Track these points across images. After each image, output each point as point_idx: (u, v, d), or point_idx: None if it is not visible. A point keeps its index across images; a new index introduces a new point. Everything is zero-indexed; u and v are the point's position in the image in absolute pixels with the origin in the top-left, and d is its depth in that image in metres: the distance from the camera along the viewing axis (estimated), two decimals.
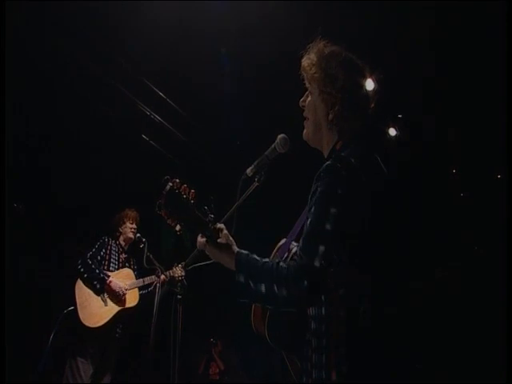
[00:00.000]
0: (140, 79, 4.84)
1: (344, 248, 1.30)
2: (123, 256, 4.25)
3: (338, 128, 1.52)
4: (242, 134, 5.44)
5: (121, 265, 4.18)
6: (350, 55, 1.57)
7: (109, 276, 3.92)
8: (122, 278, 4.04)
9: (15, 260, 4.26)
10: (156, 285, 3.50)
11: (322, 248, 1.26)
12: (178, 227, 1.44)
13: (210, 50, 4.46)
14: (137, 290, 4.05)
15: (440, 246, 5.66)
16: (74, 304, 3.78)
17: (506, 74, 2.75)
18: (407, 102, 4.87)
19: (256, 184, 1.67)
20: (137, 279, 4.10)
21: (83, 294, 3.85)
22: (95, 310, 3.81)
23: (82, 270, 3.89)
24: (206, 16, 4.01)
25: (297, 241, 1.60)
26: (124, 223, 4.29)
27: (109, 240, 4.20)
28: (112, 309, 3.88)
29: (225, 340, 6.23)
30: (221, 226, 1.49)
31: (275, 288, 1.28)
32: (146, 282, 4.02)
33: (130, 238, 4.24)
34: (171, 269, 3.83)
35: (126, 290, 3.96)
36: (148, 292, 4.05)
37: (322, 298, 1.35)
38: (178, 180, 1.42)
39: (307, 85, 1.59)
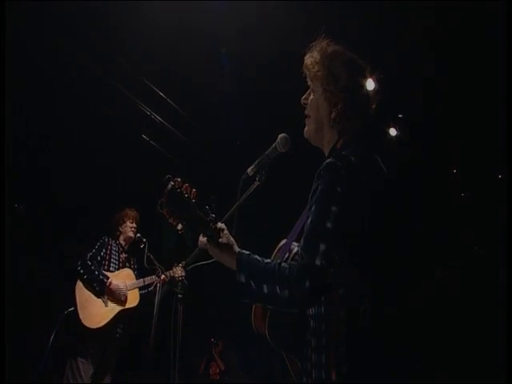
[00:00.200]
0: (140, 79, 4.84)
1: (344, 247, 1.30)
2: (123, 256, 4.24)
3: (339, 127, 1.52)
4: (241, 134, 5.44)
5: (121, 265, 4.18)
6: (352, 55, 1.58)
7: (108, 278, 3.91)
8: (123, 279, 4.04)
9: (15, 260, 4.26)
10: (156, 285, 3.50)
11: (322, 246, 1.26)
12: (179, 226, 1.44)
13: (210, 50, 4.46)
14: (137, 290, 4.05)
15: (440, 245, 5.66)
16: (75, 304, 3.78)
17: (506, 73, 2.74)
18: (407, 102, 4.87)
19: (257, 183, 1.67)
20: (137, 279, 4.09)
21: (83, 294, 3.85)
22: (95, 311, 3.80)
23: (81, 271, 3.88)
24: (206, 16, 4.01)
25: (297, 241, 1.60)
26: (124, 222, 4.29)
27: (109, 240, 4.19)
28: (112, 309, 3.87)
29: (225, 340, 6.23)
30: (222, 225, 1.49)
31: (277, 289, 1.28)
32: (147, 282, 4.01)
33: (130, 238, 4.23)
34: (171, 269, 3.83)
35: (126, 291, 3.95)
36: (148, 292, 4.05)
37: (322, 297, 1.35)
38: (179, 179, 1.42)
39: (309, 83, 1.59)
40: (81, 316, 3.73)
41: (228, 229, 1.50)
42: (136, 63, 4.65)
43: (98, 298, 3.85)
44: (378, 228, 1.39)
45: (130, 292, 3.98)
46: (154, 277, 3.88)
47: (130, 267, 4.21)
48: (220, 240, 1.46)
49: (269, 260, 1.38)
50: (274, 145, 1.66)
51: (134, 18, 3.94)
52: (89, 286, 3.86)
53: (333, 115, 1.51)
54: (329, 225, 1.28)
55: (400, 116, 5.26)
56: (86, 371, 3.70)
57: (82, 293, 3.85)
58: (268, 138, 1.74)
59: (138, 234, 4.02)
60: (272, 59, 4.35)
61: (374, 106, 1.58)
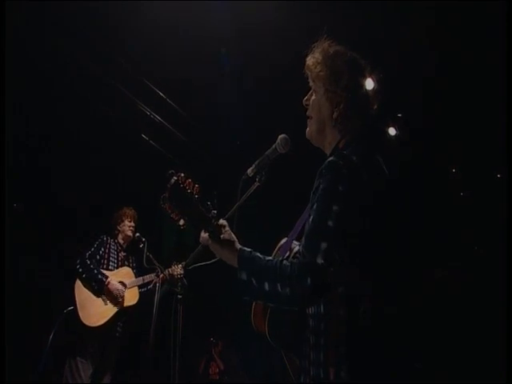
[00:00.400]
0: (140, 79, 4.83)
1: (345, 246, 1.30)
2: (122, 254, 4.24)
3: (341, 127, 1.52)
4: (242, 134, 5.44)
5: (120, 263, 4.18)
6: (354, 55, 1.58)
7: (107, 277, 3.91)
8: (122, 277, 4.04)
9: (15, 260, 4.26)
10: (156, 283, 3.50)
11: (324, 245, 1.26)
12: (181, 222, 1.44)
13: (210, 50, 4.46)
14: (136, 288, 4.05)
15: (440, 245, 5.66)
16: (74, 304, 3.78)
17: (506, 73, 2.75)
18: (407, 101, 4.87)
19: (257, 184, 1.67)
20: (136, 277, 4.10)
21: (83, 293, 3.85)
22: (95, 310, 3.80)
23: (80, 270, 3.88)
24: (206, 16, 4.01)
25: (298, 239, 1.60)
26: (122, 221, 4.29)
27: (107, 239, 4.20)
28: (112, 308, 3.88)
29: (225, 340, 6.23)
30: (223, 221, 1.49)
31: (278, 287, 1.28)
32: (146, 281, 4.01)
33: (129, 236, 4.24)
34: (170, 267, 3.83)
35: (125, 290, 3.96)
36: (147, 290, 4.05)
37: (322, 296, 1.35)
38: (182, 174, 1.42)
39: (311, 83, 1.60)
40: (80, 315, 3.73)
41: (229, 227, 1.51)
42: (136, 63, 4.65)
43: (98, 296, 3.85)
44: (379, 227, 1.40)
45: (129, 290, 3.98)
46: (153, 275, 3.89)
47: (128, 266, 4.22)
48: (222, 236, 1.46)
49: (270, 258, 1.38)
50: (274, 146, 1.66)
51: (134, 18, 3.94)
52: (88, 284, 3.86)
53: (335, 115, 1.51)
54: (330, 224, 1.28)
55: (399, 115, 5.26)
56: (85, 371, 3.70)
57: (81, 292, 3.85)
58: (268, 138, 1.74)
59: (138, 234, 4.01)
60: (272, 59, 4.35)
61: (375, 106, 1.58)
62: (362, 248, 1.34)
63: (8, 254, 2.74)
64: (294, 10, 3.88)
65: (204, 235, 1.50)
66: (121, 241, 4.28)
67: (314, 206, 1.34)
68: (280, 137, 1.66)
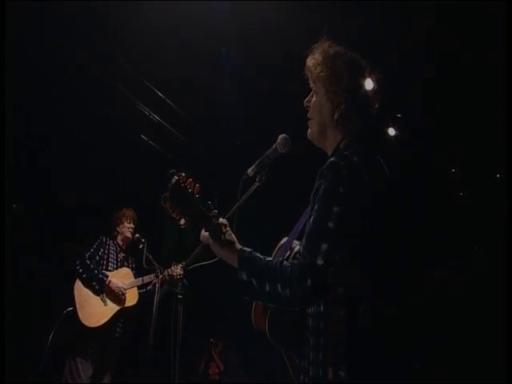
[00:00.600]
0: (140, 79, 4.83)
1: (346, 247, 1.30)
2: (121, 255, 4.25)
3: (342, 127, 1.52)
4: (242, 134, 5.44)
5: (119, 264, 4.18)
6: (354, 55, 1.58)
7: (107, 276, 3.92)
8: (121, 278, 4.04)
9: (15, 260, 4.26)
10: (155, 284, 3.50)
11: (324, 246, 1.26)
12: (182, 221, 1.44)
13: (210, 50, 4.46)
14: (136, 288, 4.05)
15: (440, 245, 5.66)
16: (73, 304, 3.78)
17: (506, 73, 2.75)
18: (407, 102, 4.87)
19: (257, 184, 1.67)
20: (136, 278, 4.10)
21: (82, 293, 3.85)
22: (95, 310, 3.81)
23: (80, 270, 3.88)
24: (206, 16, 4.01)
25: (299, 239, 1.60)
26: (122, 223, 4.28)
27: (107, 240, 4.20)
28: (111, 308, 3.88)
29: (225, 340, 6.23)
30: (224, 221, 1.49)
31: (279, 287, 1.28)
32: (145, 281, 4.01)
33: (128, 238, 4.23)
34: (170, 267, 3.83)
35: (125, 289, 3.96)
36: (147, 291, 4.05)
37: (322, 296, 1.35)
38: (183, 174, 1.42)
39: (311, 85, 1.59)
40: (80, 315, 3.73)
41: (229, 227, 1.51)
42: (136, 63, 4.64)
43: (98, 296, 3.86)
44: (379, 228, 1.40)
45: (128, 291, 3.98)
46: (152, 275, 3.89)
47: (128, 266, 4.22)
48: (222, 236, 1.46)
49: (270, 258, 1.38)
50: (274, 145, 1.66)
51: (134, 18, 3.93)
52: (88, 284, 3.86)
53: (336, 116, 1.51)
54: (331, 225, 1.28)
55: (399, 116, 5.26)
56: (84, 371, 3.70)
57: (80, 292, 3.85)
58: (268, 138, 1.74)
59: (137, 234, 4.01)
60: (272, 59, 4.35)
61: (376, 106, 1.58)
62: (363, 249, 1.34)
63: (8, 254, 2.74)
64: (294, 10, 3.88)
65: (204, 233, 1.50)
66: (120, 242, 4.28)
67: (315, 207, 1.34)
68: (280, 137, 1.66)
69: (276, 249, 1.74)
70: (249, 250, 1.42)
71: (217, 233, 1.46)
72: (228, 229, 1.48)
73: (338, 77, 1.51)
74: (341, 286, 1.33)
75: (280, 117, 4.55)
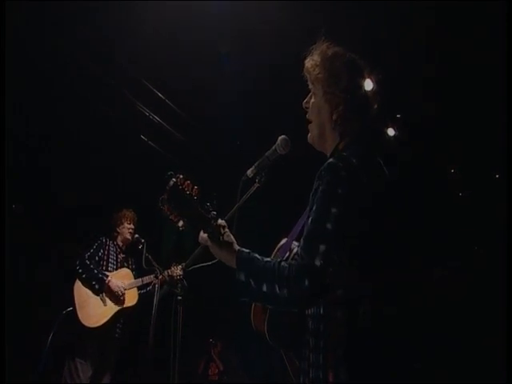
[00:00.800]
0: (140, 79, 4.83)
1: (344, 248, 1.30)
2: (121, 256, 4.25)
3: (341, 128, 1.51)
4: (241, 134, 5.43)
5: (119, 265, 4.18)
6: (353, 56, 1.57)
7: (107, 276, 3.92)
8: (121, 278, 4.05)
9: (15, 260, 4.27)
10: (155, 285, 3.50)
11: (322, 247, 1.25)
12: (180, 223, 1.44)
13: (210, 50, 4.45)
14: (135, 289, 4.05)
15: (440, 245, 5.66)
16: (73, 304, 3.79)
17: (506, 73, 2.75)
18: (407, 102, 4.86)
19: (256, 185, 1.67)
20: (135, 279, 4.10)
21: (82, 294, 3.85)
22: (94, 310, 3.81)
23: (80, 270, 3.89)
24: (206, 16, 4.00)
25: (298, 240, 1.60)
26: (122, 224, 4.28)
27: (106, 240, 4.20)
28: (111, 308, 3.88)
29: (224, 340, 6.23)
30: (222, 222, 1.49)
31: (277, 288, 1.28)
32: (145, 282, 4.01)
33: (128, 239, 4.23)
34: (169, 268, 3.83)
35: (125, 289, 3.96)
36: (147, 291, 4.05)
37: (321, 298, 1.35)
38: (181, 176, 1.42)
39: (310, 86, 1.59)
40: (79, 316, 3.74)
41: (228, 229, 1.50)
42: (136, 63, 4.64)
43: (98, 296, 3.86)
44: (378, 229, 1.39)
45: (128, 291, 3.99)
46: (152, 276, 3.89)
47: (128, 267, 4.22)
48: (220, 237, 1.46)
49: (269, 259, 1.38)
50: (273, 147, 1.66)
51: (134, 18, 3.93)
52: (88, 284, 3.86)
53: (334, 117, 1.50)
54: (329, 226, 1.28)
55: (398, 116, 5.26)
56: (84, 372, 3.70)
57: (80, 292, 3.85)
58: (268, 138, 1.74)
59: (137, 235, 4.01)
60: (272, 59, 4.34)
61: (375, 107, 1.58)
62: (361, 250, 1.34)
63: (8, 254, 2.74)
64: (295, 10, 3.88)
65: (203, 235, 1.50)
66: (120, 243, 4.27)
67: (313, 208, 1.34)
68: (280, 138, 1.66)
69: (275, 250, 1.74)
70: (247, 250, 1.42)
71: (215, 234, 1.46)
72: (226, 230, 1.48)
73: (337, 78, 1.50)
74: (340, 287, 1.33)
75: (280, 117, 4.55)
